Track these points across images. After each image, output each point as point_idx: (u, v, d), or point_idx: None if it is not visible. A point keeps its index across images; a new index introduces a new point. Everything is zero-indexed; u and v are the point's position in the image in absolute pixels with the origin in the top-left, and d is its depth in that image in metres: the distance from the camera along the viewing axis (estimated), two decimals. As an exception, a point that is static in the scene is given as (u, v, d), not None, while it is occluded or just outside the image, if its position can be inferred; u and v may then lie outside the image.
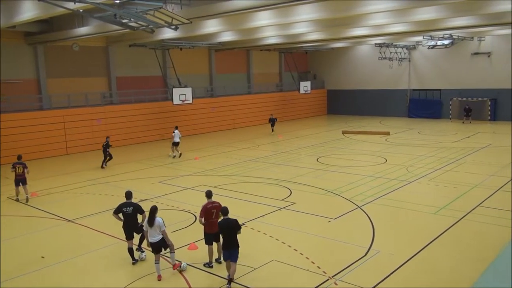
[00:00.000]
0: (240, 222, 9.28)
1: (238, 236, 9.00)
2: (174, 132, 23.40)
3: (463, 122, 33.70)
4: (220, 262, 9.79)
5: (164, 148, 26.59)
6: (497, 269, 3.67)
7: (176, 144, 23.22)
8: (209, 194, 9.93)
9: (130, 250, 10.07)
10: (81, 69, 27.79)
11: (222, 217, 9.18)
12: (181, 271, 9.49)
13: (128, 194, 10.32)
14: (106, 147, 21.25)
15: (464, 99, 35.21)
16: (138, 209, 10.16)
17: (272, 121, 31.71)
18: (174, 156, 23.21)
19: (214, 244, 9.77)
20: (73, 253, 10.82)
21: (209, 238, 9.68)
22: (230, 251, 8.91)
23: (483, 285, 3.33)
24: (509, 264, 3.70)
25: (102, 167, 21.16)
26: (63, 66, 27.05)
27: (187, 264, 9.79)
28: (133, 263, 10.01)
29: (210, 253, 9.73)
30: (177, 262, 9.59)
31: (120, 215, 10.13)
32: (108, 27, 19.49)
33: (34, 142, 24.11)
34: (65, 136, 25.57)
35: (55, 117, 25.19)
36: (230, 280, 8.76)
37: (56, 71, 26.74)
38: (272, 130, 31.52)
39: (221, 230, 8.99)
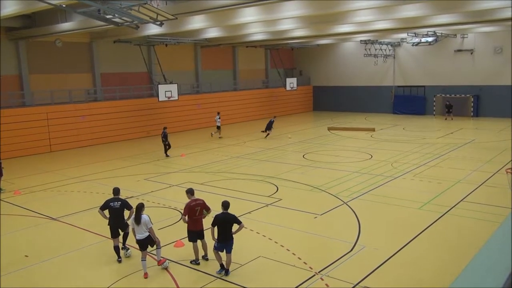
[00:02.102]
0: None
1: (239, 231, 9.14)
2: (215, 118, 28.21)
3: (445, 119, 34.16)
4: (207, 259, 9.78)
5: (150, 144, 26.42)
6: (480, 263, 3.74)
7: (218, 127, 27.85)
8: (191, 192, 9.90)
9: (116, 248, 9.99)
10: (64, 65, 27.38)
11: (222, 211, 9.20)
12: (165, 268, 9.46)
13: (116, 191, 10.25)
14: (165, 137, 22.28)
15: (448, 95, 35.68)
16: (125, 204, 10.06)
17: (269, 125, 27.26)
18: (220, 137, 27.74)
19: (199, 241, 9.75)
20: (57, 252, 10.69)
21: (193, 236, 9.65)
22: (225, 243, 9.01)
23: (466, 279, 3.38)
24: (491, 258, 3.77)
25: (166, 155, 22.37)
26: (46, 62, 26.61)
27: (170, 261, 9.76)
28: (119, 261, 9.94)
29: (196, 250, 9.69)
30: (162, 258, 9.56)
31: (106, 212, 10.03)
32: (92, 23, 19.26)
33: (16, 139, 23.68)
34: (48, 133, 25.21)
35: (38, 114, 24.80)
36: (223, 267, 9.07)
37: (39, 67, 26.30)
38: (266, 134, 27.45)
39: (218, 223, 9.01)
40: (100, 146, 26.78)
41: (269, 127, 27.40)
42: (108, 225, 10.05)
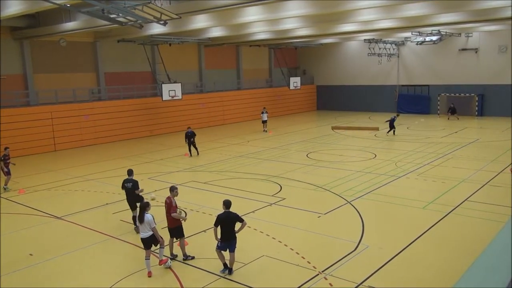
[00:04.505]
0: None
1: (242, 230, 9.15)
2: (262, 114, 30.19)
3: (448, 119, 33.98)
4: (175, 256, 9.92)
5: (153, 144, 26.48)
6: (484, 263, 3.73)
7: (264, 122, 29.93)
8: (170, 189, 10.07)
9: (134, 218, 11.40)
10: (68, 64, 27.47)
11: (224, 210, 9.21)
12: (168, 268, 9.49)
13: (130, 172, 11.92)
14: (191, 136, 22.49)
15: (452, 94, 35.53)
16: (135, 186, 11.65)
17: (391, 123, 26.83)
18: (265, 131, 29.66)
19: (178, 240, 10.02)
20: (62, 250, 10.74)
21: (169, 232, 9.98)
22: (228, 242, 9.04)
23: (471, 278, 3.38)
24: (495, 258, 3.76)
25: (190, 155, 22.48)
26: (50, 62, 26.71)
27: (175, 260, 9.80)
28: (135, 229, 11.22)
29: (170, 245, 10.02)
30: (164, 258, 9.59)
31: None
32: (96, 22, 19.31)
33: (21, 138, 23.79)
34: (53, 132, 25.30)
35: (42, 113, 24.90)
36: (226, 267, 9.11)
37: (43, 67, 26.41)
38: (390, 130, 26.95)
39: (221, 222, 9.05)
40: (104, 145, 26.85)
41: (392, 125, 26.83)
42: (126, 200, 11.80)
